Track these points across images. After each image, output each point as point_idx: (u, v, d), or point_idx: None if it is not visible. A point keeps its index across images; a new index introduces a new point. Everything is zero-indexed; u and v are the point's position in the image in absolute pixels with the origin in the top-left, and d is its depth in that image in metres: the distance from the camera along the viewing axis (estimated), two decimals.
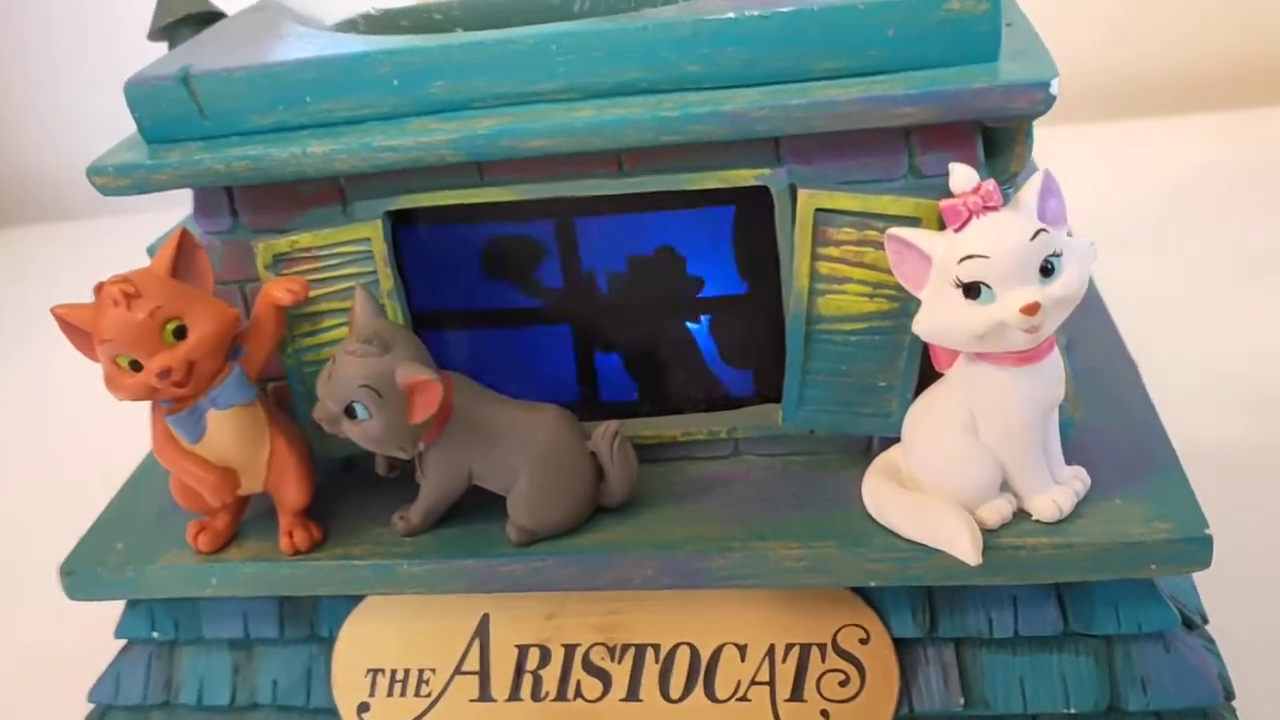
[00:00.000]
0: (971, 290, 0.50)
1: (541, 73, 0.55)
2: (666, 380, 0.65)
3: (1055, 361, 0.53)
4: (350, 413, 0.55)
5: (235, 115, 0.58)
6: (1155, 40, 1.27)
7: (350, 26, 0.65)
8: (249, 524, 0.64)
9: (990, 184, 0.51)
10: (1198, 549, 0.54)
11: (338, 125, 0.58)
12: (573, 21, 0.56)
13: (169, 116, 0.59)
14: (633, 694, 0.61)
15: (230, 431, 0.59)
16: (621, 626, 0.61)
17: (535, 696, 0.62)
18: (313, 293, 0.61)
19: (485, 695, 0.62)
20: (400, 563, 0.60)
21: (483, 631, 0.62)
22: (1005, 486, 0.56)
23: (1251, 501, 0.75)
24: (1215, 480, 0.65)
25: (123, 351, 0.55)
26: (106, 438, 1.05)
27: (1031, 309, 0.49)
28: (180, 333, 0.56)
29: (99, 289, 0.56)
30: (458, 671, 0.62)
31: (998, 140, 0.56)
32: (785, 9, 0.53)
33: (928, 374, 0.57)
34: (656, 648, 0.60)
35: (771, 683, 0.59)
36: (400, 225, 0.62)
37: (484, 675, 0.62)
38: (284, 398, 0.63)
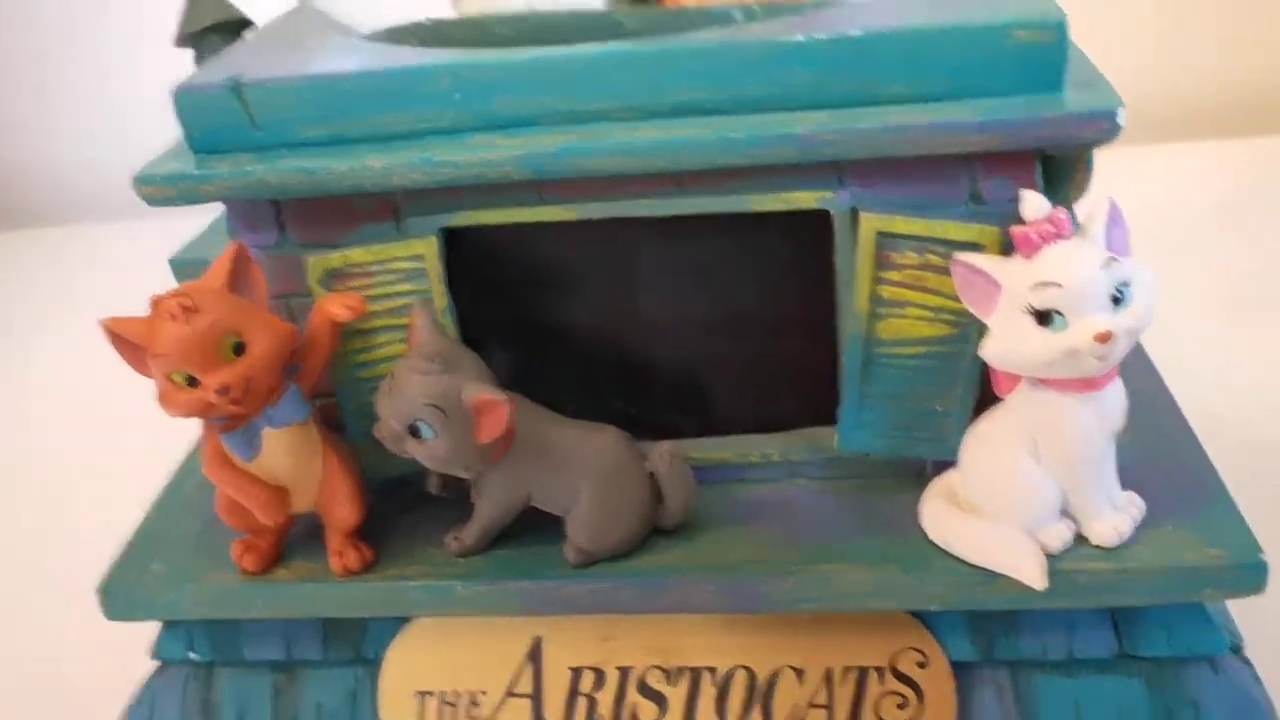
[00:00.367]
0: (1044, 317, 0.51)
1: (606, 91, 0.55)
2: (715, 401, 0.64)
3: (1118, 389, 0.54)
4: (414, 431, 0.55)
5: (287, 126, 0.58)
6: (1187, 65, 1.29)
7: (393, 36, 0.65)
8: (293, 543, 0.63)
9: (1062, 212, 0.51)
10: (1252, 574, 0.54)
11: (394, 139, 0.57)
12: (637, 40, 0.56)
13: (218, 126, 0.58)
14: (688, 717, 0.60)
15: (285, 450, 0.58)
16: (677, 649, 0.61)
17: (589, 719, 0.61)
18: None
19: (538, 718, 0.62)
20: (455, 584, 0.59)
21: (536, 654, 0.62)
22: (1062, 511, 0.56)
23: None
24: (1251, 501, 0.66)
25: (179, 367, 0.54)
26: (119, 449, 1.05)
27: (1105, 336, 0.50)
28: (238, 348, 0.55)
29: (155, 302, 0.55)
30: (510, 694, 0.62)
31: (1055, 168, 0.57)
32: (854, 33, 0.53)
33: (983, 399, 0.58)
34: (713, 670, 0.60)
35: (829, 706, 0.59)
36: (449, 242, 0.61)
37: (537, 698, 0.62)
38: (331, 415, 0.63)
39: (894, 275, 0.57)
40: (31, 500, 1.02)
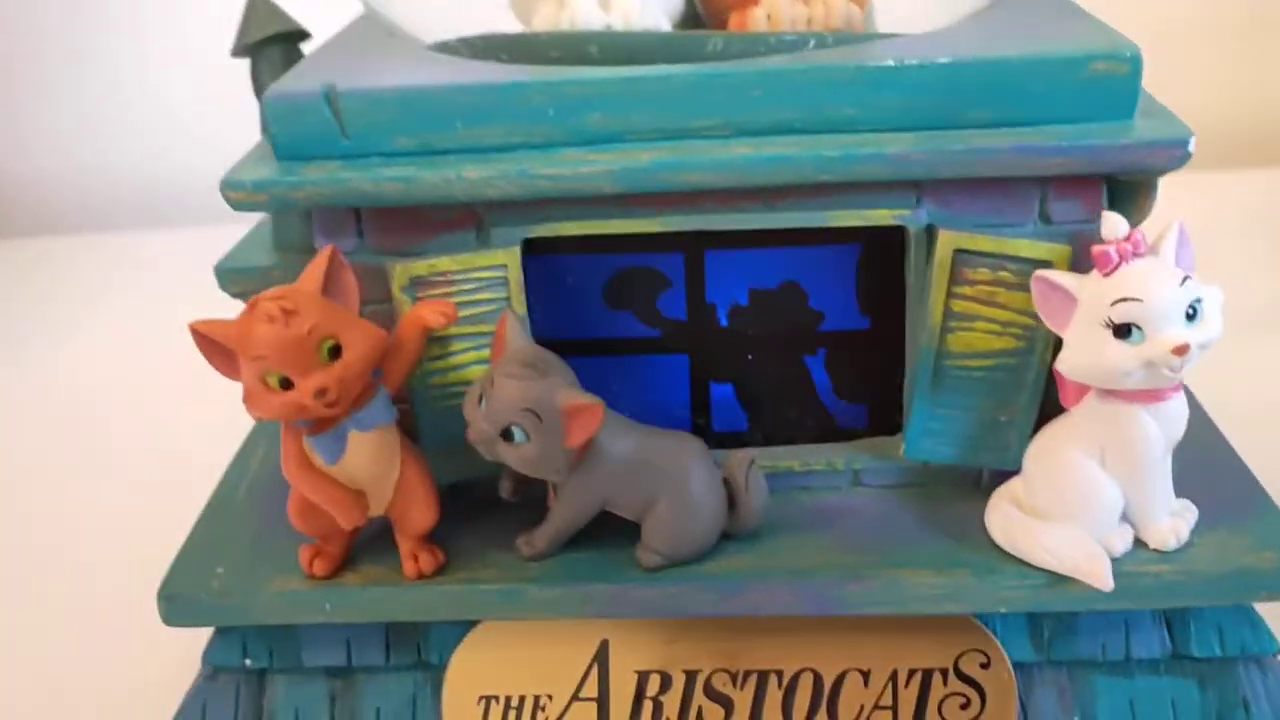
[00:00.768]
0: (1122, 331, 0.54)
1: (699, 109, 0.57)
2: (779, 411, 0.66)
3: (1181, 401, 0.57)
4: (507, 435, 0.56)
5: (378, 136, 0.58)
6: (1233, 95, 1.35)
7: (472, 47, 0.66)
8: (357, 549, 0.63)
9: (1140, 233, 0.54)
10: None
11: (483, 151, 0.58)
12: (731, 62, 0.58)
13: (308, 133, 0.59)
14: None
15: (369, 453, 0.58)
16: (744, 653, 0.62)
17: None
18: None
19: None
20: (528, 587, 0.60)
21: (602, 657, 0.62)
22: (1122, 516, 0.59)
23: None
24: None
25: (275, 369, 0.54)
26: (128, 455, 1.04)
27: (1182, 350, 0.53)
28: (335, 352, 0.55)
29: (252, 304, 0.55)
30: (575, 698, 0.63)
31: (1120, 191, 0.60)
32: (943, 59, 0.56)
33: (1043, 411, 0.61)
34: (780, 674, 0.62)
35: (894, 707, 0.61)
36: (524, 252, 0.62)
37: (603, 701, 0.62)
38: (403, 422, 0.63)
39: (966, 290, 0.59)
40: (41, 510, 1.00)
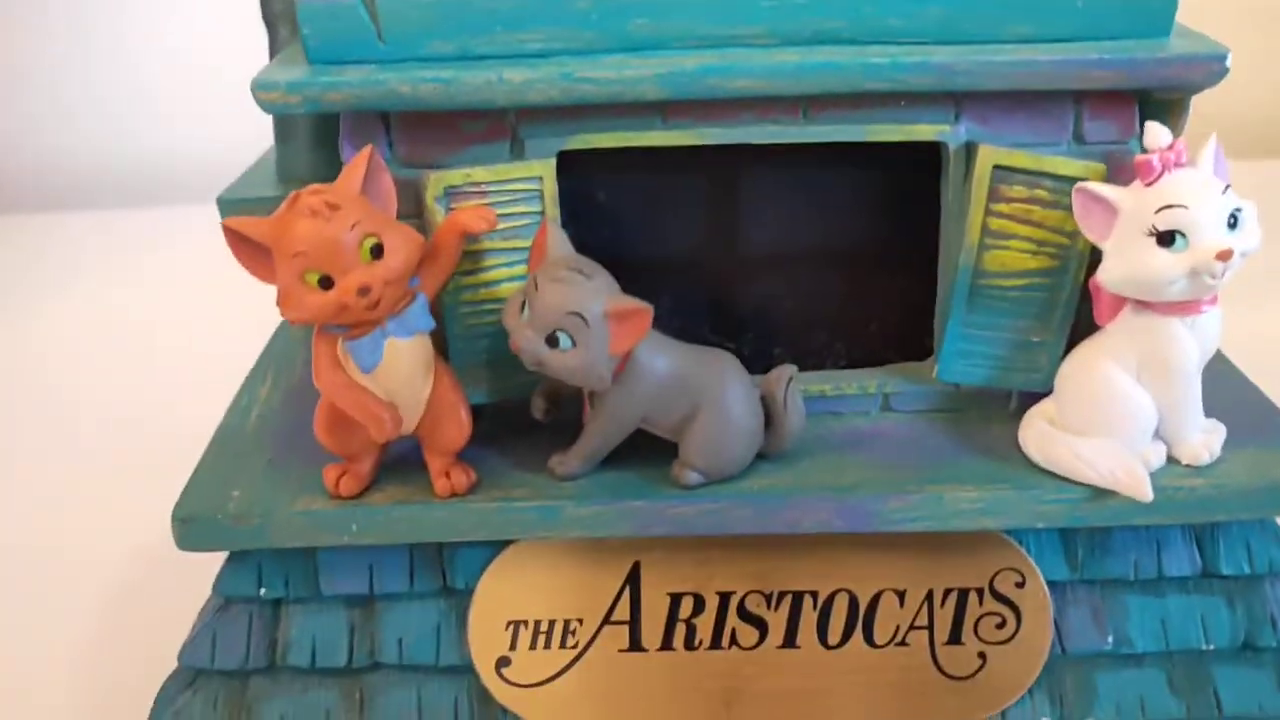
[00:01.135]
0: (1166, 239, 0.54)
1: (744, 17, 0.57)
2: (808, 334, 0.66)
3: (1215, 315, 0.58)
4: (551, 342, 0.55)
5: (415, 40, 0.57)
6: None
7: None
8: (380, 473, 0.62)
9: (1182, 142, 0.55)
10: None
11: (523, 58, 0.57)
12: None
13: (342, 36, 0.57)
14: (789, 641, 0.61)
15: (405, 363, 0.56)
16: (777, 574, 0.61)
17: (689, 645, 0.61)
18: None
19: (636, 645, 0.61)
20: (565, 504, 0.59)
21: (634, 580, 0.61)
22: (1155, 434, 0.59)
23: None
24: None
25: (315, 266, 0.53)
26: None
27: (1226, 254, 0.53)
28: (376, 252, 0.54)
29: (294, 199, 0.53)
30: (606, 621, 0.61)
31: (1150, 113, 0.61)
32: None
33: (1074, 333, 0.61)
34: (814, 594, 0.61)
35: (930, 627, 0.61)
36: None
37: (634, 624, 0.61)
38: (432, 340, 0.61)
39: (1003, 208, 0.59)
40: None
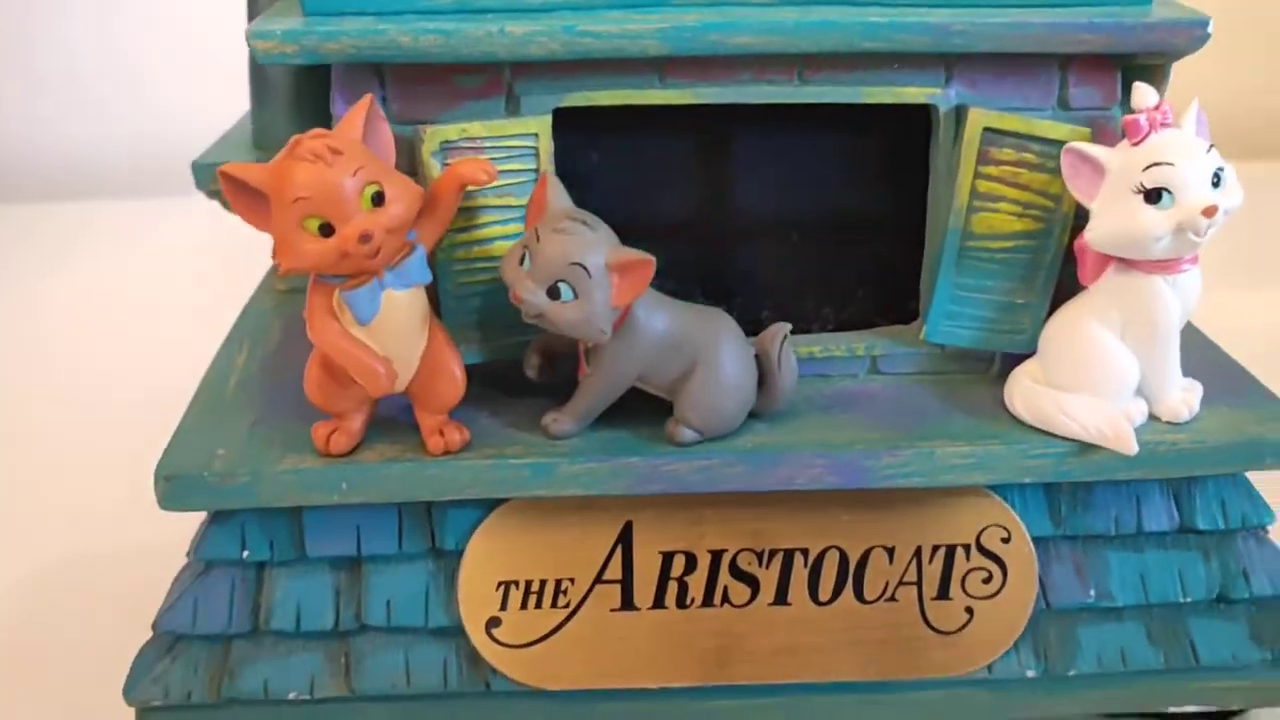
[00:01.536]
0: (1153, 195, 0.56)
1: None
2: (796, 297, 0.67)
3: (1196, 273, 0.59)
4: (553, 293, 0.54)
5: None
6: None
7: None
8: (368, 432, 0.61)
9: (1168, 103, 0.57)
10: None
11: (520, 11, 0.57)
12: None
13: None
14: (781, 598, 0.61)
15: (401, 316, 0.56)
16: (769, 532, 0.61)
17: (681, 603, 0.61)
18: (470, 187, 0.59)
19: (628, 604, 0.61)
20: (559, 461, 0.58)
21: (625, 539, 0.61)
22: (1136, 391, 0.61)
23: None
24: None
25: (316, 212, 0.52)
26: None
27: (1212, 210, 0.55)
28: (377, 199, 0.53)
29: (294, 143, 0.52)
30: (598, 580, 0.61)
31: (1132, 79, 0.62)
32: None
33: (1057, 295, 0.63)
34: (805, 552, 0.61)
35: (919, 583, 0.61)
36: None
37: (626, 584, 0.61)
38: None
39: (992, 170, 0.61)
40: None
